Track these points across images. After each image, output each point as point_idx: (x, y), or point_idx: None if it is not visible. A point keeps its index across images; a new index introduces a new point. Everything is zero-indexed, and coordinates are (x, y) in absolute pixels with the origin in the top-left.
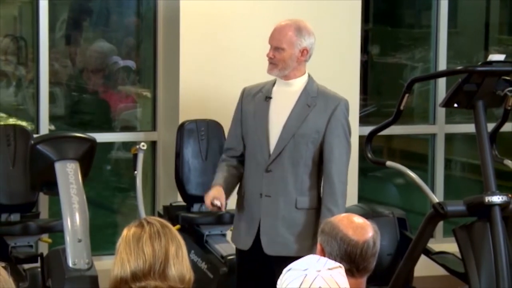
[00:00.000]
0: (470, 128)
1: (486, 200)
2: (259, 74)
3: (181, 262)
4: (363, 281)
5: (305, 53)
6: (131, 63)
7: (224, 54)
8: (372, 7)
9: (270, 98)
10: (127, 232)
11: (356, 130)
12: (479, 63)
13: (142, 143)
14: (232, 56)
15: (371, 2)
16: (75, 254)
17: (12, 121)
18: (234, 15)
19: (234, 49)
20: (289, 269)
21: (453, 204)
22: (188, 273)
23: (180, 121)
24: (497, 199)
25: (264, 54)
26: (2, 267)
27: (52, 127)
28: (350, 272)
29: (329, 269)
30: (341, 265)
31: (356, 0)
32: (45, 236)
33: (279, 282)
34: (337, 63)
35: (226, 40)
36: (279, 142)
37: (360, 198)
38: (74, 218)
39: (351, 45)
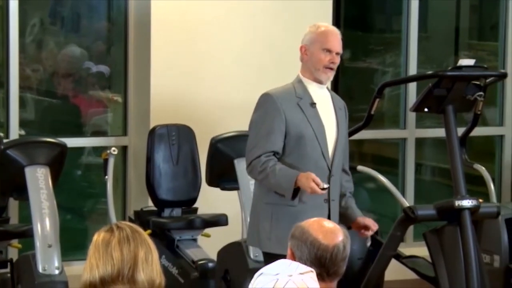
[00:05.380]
0: (440, 132)
1: (456, 204)
2: (231, 78)
3: (150, 266)
4: (333, 285)
5: None
6: (104, 69)
7: (195, 59)
8: (343, 12)
9: (315, 103)
10: (97, 237)
11: None
12: (449, 68)
13: (113, 148)
14: (203, 60)
15: (342, 7)
16: (45, 260)
17: None
18: (206, 19)
19: (205, 54)
20: (261, 274)
21: (424, 208)
22: (159, 278)
23: (151, 126)
24: (467, 203)
25: (236, 58)
26: None
27: (22, 132)
28: (320, 277)
29: (301, 273)
30: (312, 269)
31: (327, 4)
32: (15, 242)
33: (250, 286)
34: None
35: (198, 44)
36: (338, 147)
37: None
38: (44, 224)
39: None
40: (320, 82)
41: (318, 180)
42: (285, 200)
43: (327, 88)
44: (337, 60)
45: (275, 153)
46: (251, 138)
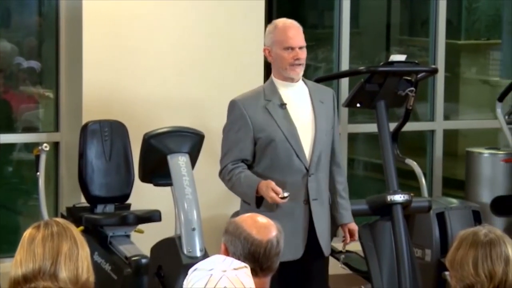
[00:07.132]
0: (372, 127)
1: (388, 199)
2: (163, 74)
3: (75, 263)
4: (267, 280)
5: None
6: (35, 64)
7: (128, 54)
8: (275, 7)
9: (285, 104)
10: (24, 234)
11: None
12: (381, 64)
13: (45, 144)
14: (136, 56)
15: (274, 2)
16: None
17: None
18: (138, 14)
19: (137, 49)
20: (195, 269)
21: (356, 203)
22: (85, 275)
23: (83, 122)
24: (399, 198)
25: (169, 54)
26: None
27: None
28: (254, 272)
29: (235, 269)
30: (247, 265)
31: (259, 0)
32: None
33: (185, 282)
34: (241, 63)
35: (130, 39)
36: (317, 145)
37: None
38: None
39: (255, 46)
40: (291, 80)
41: (277, 188)
42: (262, 207)
43: (305, 82)
44: (302, 54)
45: (243, 161)
46: (222, 147)
